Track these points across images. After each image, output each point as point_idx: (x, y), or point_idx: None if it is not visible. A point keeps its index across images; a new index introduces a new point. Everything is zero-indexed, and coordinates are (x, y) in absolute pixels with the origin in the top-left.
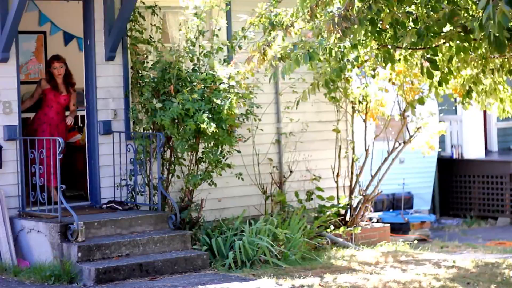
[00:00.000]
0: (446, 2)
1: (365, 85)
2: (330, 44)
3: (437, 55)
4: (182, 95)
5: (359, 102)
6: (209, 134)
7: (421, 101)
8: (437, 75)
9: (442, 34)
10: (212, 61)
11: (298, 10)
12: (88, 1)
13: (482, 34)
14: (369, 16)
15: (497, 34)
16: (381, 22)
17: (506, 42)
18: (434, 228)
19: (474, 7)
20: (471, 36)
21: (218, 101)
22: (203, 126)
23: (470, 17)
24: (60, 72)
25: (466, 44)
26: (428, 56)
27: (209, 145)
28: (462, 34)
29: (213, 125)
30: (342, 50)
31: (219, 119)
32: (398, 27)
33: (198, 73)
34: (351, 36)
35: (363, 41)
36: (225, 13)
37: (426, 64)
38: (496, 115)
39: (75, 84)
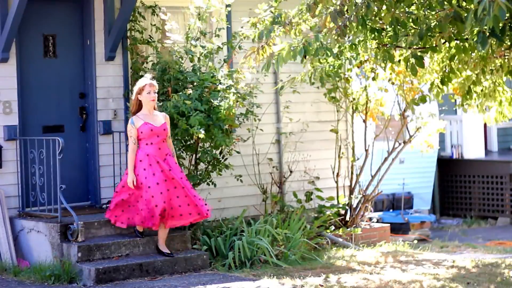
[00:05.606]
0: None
1: (368, 85)
2: (329, 43)
3: (433, 55)
4: (178, 95)
5: (360, 103)
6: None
7: (423, 99)
8: (438, 75)
9: (441, 33)
10: (212, 61)
11: (301, 10)
12: (88, 1)
13: (475, 30)
14: (368, 15)
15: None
16: (381, 22)
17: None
18: (434, 228)
19: (472, 6)
20: (463, 25)
21: (216, 102)
22: (193, 130)
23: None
24: (154, 98)
25: (466, 44)
26: (415, 52)
27: (206, 146)
28: (458, 33)
29: (202, 131)
30: (341, 50)
31: (217, 119)
32: (399, 26)
33: (197, 74)
34: (351, 36)
35: (363, 41)
36: (225, 13)
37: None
38: (493, 122)
39: None
